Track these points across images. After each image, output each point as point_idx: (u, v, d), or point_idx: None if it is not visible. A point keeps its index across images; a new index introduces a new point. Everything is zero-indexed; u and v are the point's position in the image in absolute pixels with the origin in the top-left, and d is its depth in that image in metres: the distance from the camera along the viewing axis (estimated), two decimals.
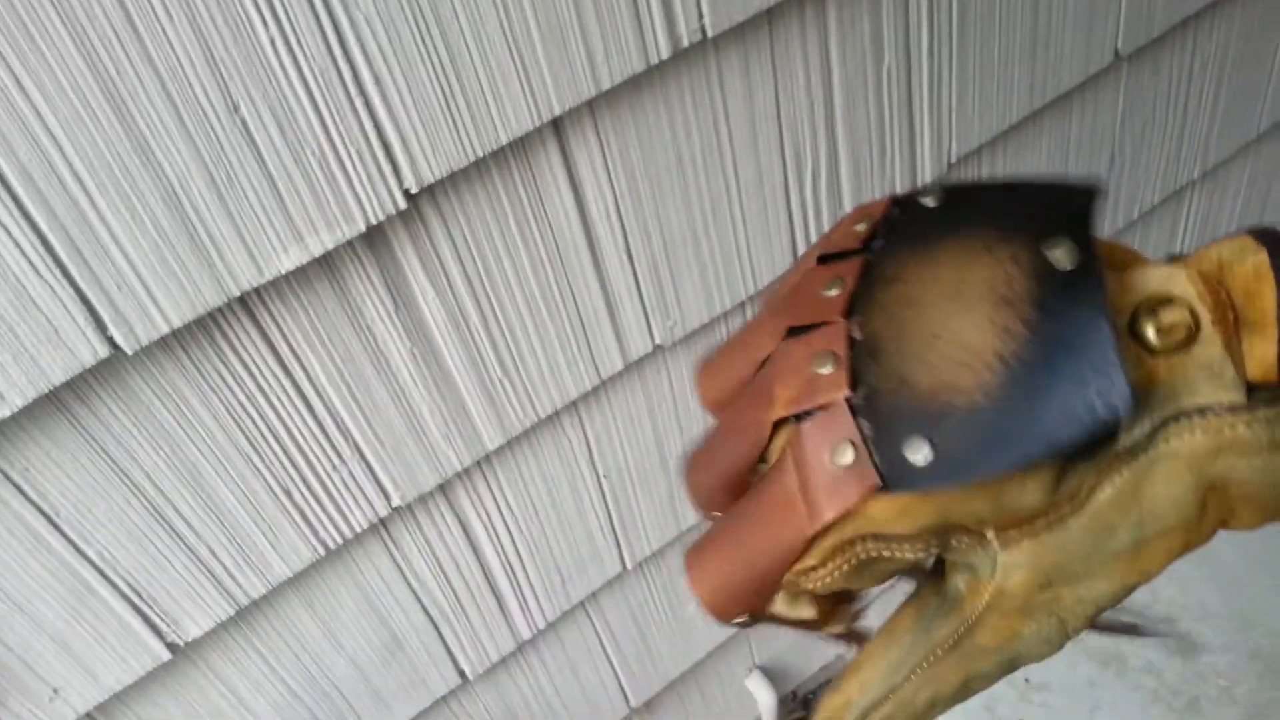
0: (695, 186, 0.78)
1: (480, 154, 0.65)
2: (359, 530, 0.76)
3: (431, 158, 0.63)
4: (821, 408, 0.32)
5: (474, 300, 0.72)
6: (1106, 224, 1.18)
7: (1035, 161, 1.04)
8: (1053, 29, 0.94)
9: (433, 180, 0.64)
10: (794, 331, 0.34)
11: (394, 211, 0.64)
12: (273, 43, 0.54)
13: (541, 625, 0.95)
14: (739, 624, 0.35)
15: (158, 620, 0.70)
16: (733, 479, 0.36)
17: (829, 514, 0.31)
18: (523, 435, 0.82)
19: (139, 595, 0.69)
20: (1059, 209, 0.33)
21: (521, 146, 0.69)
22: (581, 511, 0.91)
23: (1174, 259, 0.34)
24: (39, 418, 0.60)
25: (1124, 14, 0.99)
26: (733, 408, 0.36)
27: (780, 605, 0.35)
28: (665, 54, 0.69)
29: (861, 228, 0.35)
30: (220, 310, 0.62)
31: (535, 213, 0.72)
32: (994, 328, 0.30)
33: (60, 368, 0.57)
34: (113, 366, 0.61)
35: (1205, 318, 0.30)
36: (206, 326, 0.63)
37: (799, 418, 0.32)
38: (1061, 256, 0.31)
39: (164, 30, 0.51)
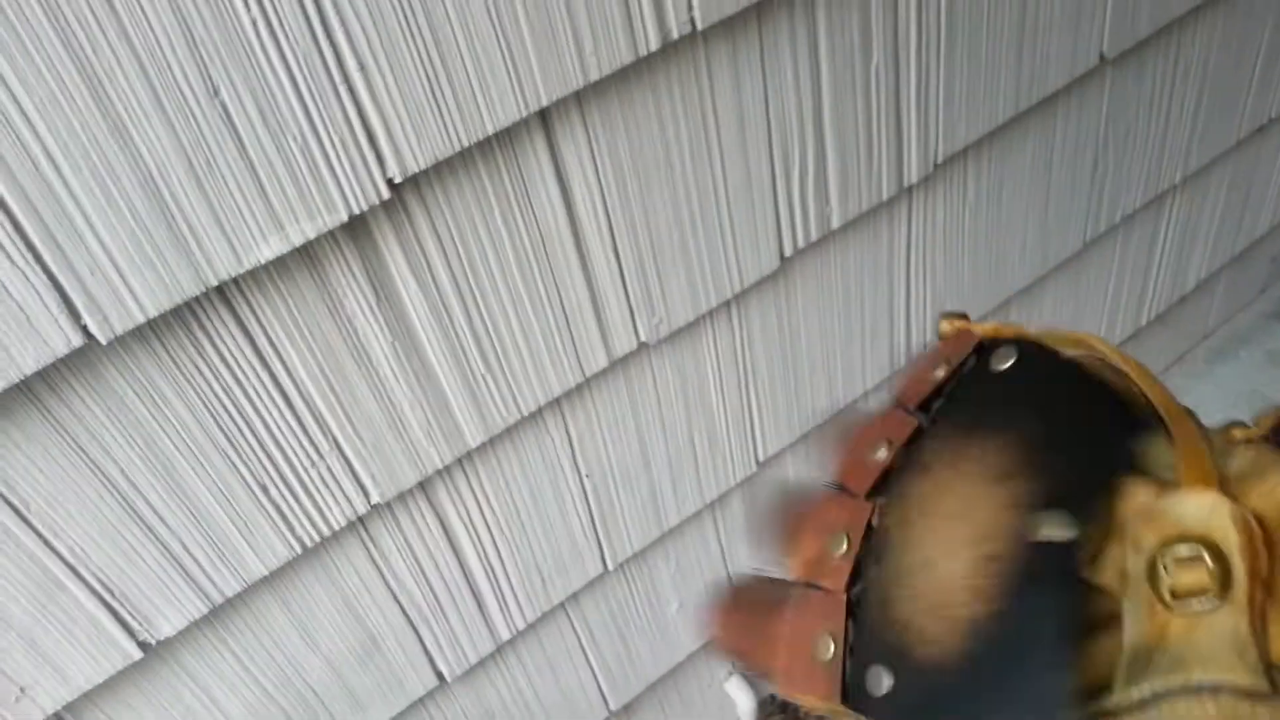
0: (683, 182, 0.78)
1: (466, 144, 0.64)
2: (337, 528, 0.75)
3: (416, 146, 0.62)
4: (825, 588, 0.32)
5: (457, 293, 0.71)
6: (1088, 228, 1.18)
7: (1020, 162, 1.04)
8: (1039, 31, 0.94)
9: (417, 170, 0.63)
10: (837, 485, 0.34)
11: (377, 201, 0.62)
12: (254, 24, 0.53)
13: (521, 626, 0.94)
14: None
15: (129, 618, 0.69)
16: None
17: (791, 693, 0.31)
18: (505, 433, 0.81)
19: (110, 592, 0.67)
20: (1085, 459, 0.29)
21: (508, 137, 0.67)
22: (563, 511, 0.90)
23: (1239, 432, 0.30)
24: (9, 408, 0.58)
25: (1110, 17, 0.99)
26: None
27: None
28: (654, 46, 0.69)
29: (939, 373, 0.34)
30: (197, 300, 0.61)
31: (521, 205, 0.71)
32: (969, 584, 0.28)
33: (32, 357, 0.56)
34: (86, 357, 0.59)
35: (1239, 578, 0.26)
36: (183, 316, 0.61)
37: (808, 584, 0.33)
38: (1051, 526, 0.28)
39: (142, 8, 0.50)
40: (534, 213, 0.71)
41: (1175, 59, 1.12)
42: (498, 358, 0.76)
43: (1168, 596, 0.26)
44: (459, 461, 0.80)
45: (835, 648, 0.30)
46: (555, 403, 0.83)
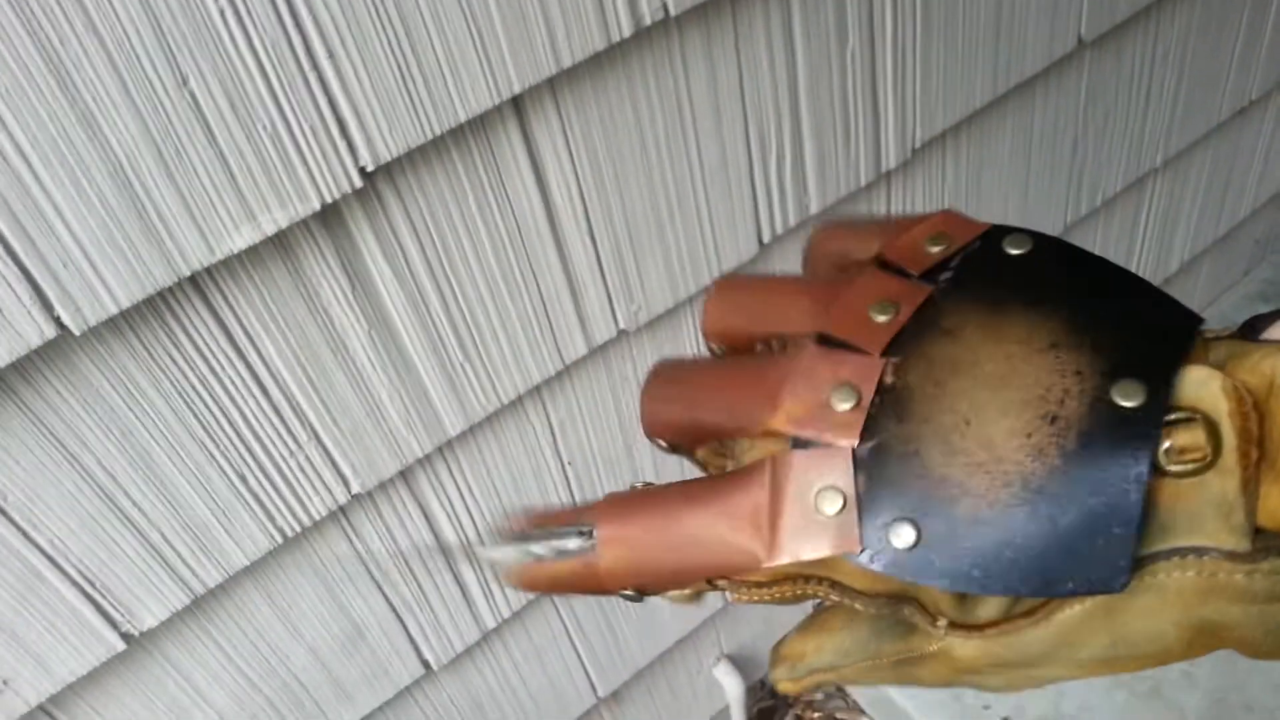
0: (659, 168, 0.78)
1: (438, 132, 0.64)
2: (318, 517, 0.75)
3: (388, 135, 0.62)
4: (824, 443, 0.30)
5: (433, 282, 0.71)
6: (1069, 212, 1.18)
7: (999, 146, 1.04)
8: (1016, 14, 0.94)
9: (389, 158, 0.63)
10: (825, 339, 0.31)
11: (350, 190, 0.62)
12: (222, 13, 0.53)
13: (506, 614, 0.94)
14: (626, 596, 0.33)
15: (111, 609, 0.69)
16: (695, 434, 0.34)
17: (798, 555, 0.29)
18: (485, 421, 0.81)
19: (91, 584, 0.67)
20: (1147, 338, 0.29)
21: (481, 125, 0.68)
22: (546, 498, 0.90)
23: (1248, 328, 0.30)
24: None
25: (1087, 0, 0.99)
26: (731, 377, 0.34)
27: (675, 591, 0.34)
28: (627, 32, 0.69)
29: (936, 249, 0.32)
30: (171, 290, 0.61)
31: (496, 193, 0.71)
32: (1028, 443, 0.28)
33: (5, 349, 0.56)
34: (60, 348, 0.59)
35: (1229, 445, 0.27)
36: (157, 307, 0.61)
37: (796, 440, 0.30)
38: (1129, 395, 0.27)
39: None
40: (509, 200, 0.72)
41: (1154, 42, 1.12)
42: (476, 346, 0.76)
43: (1165, 463, 0.27)
44: (439, 450, 0.80)
45: (846, 502, 0.29)
46: (535, 390, 0.83)
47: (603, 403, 0.88)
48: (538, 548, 0.33)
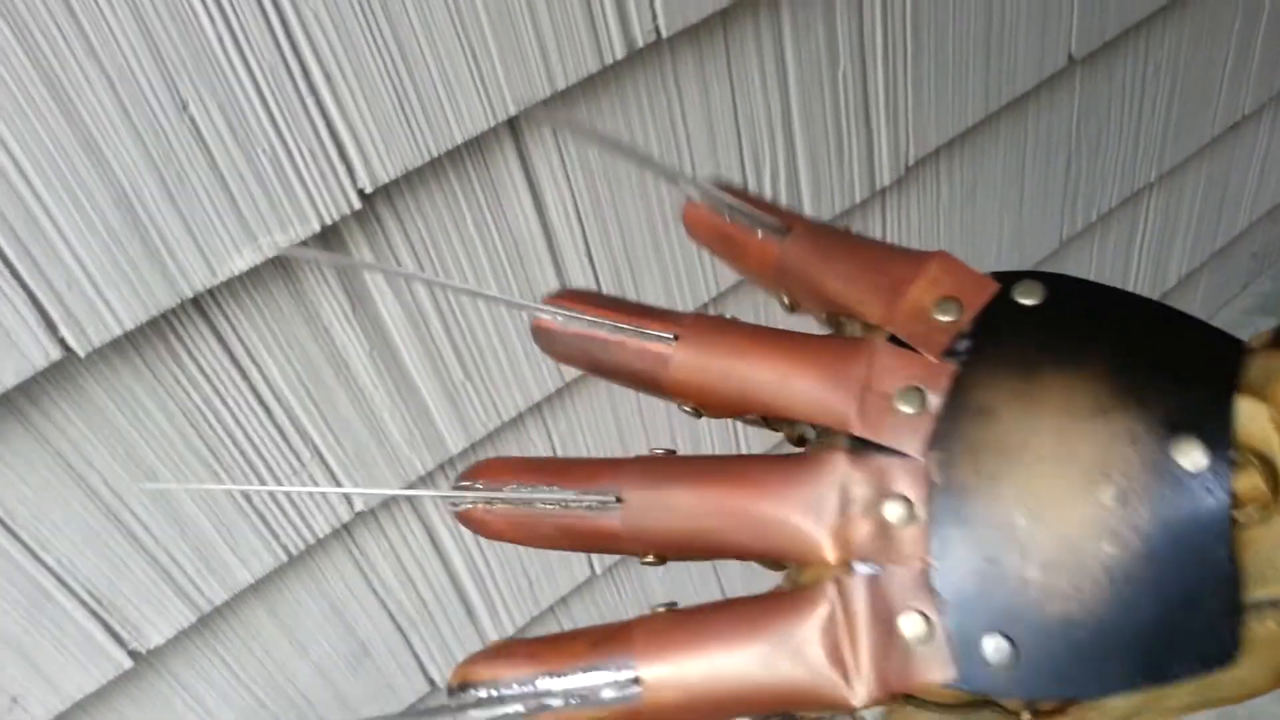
0: (654, 187, 0.79)
1: (435, 153, 0.66)
2: (321, 535, 0.76)
3: (385, 157, 0.64)
4: (891, 563, 0.28)
5: (433, 301, 0.73)
6: (1064, 228, 1.19)
7: (992, 164, 1.05)
8: (1006, 32, 0.95)
9: (387, 180, 0.64)
10: (858, 441, 0.29)
11: (348, 211, 0.64)
12: (220, 39, 0.55)
13: (510, 631, 0.95)
14: None
15: (118, 627, 0.70)
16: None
17: (889, 689, 0.27)
18: (486, 438, 0.82)
19: (99, 602, 0.68)
20: (1193, 378, 0.27)
21: (477, 146, 0.69)
22: None
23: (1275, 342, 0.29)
24: None
25: (1077, 17, 1.00)
26: (765, 491, 0.30)
27: None
28: (620, 54, 0.70)
29: (947, 319, 0.30)
30: (174, 311, 0.62)
31: (493, 213, 0.72)
32: (1102, 526, 0.26)
33: (11, 370, 0.57)
34: (65, 369, 0.61)
35: None
36: (160, 328, 0.63)
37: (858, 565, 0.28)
38: (1192, 456, 0.26)
39: (109, 24, 0.52)
40: (506, 220, 0.73)
41: (1145, 58, 1.13)
42: (476, 365, 0.77)
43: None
44: (441, 468, 0.81)
45: (931, 624, 0.27)
46: (536, 408, 0.84)
47: (603, 418, 0.89)
48: (554, 696, 0.29)
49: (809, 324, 0.35)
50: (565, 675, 0.28)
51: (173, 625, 0.72)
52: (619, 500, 0.30)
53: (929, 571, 0.27)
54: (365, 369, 0.72)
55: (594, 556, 0.96)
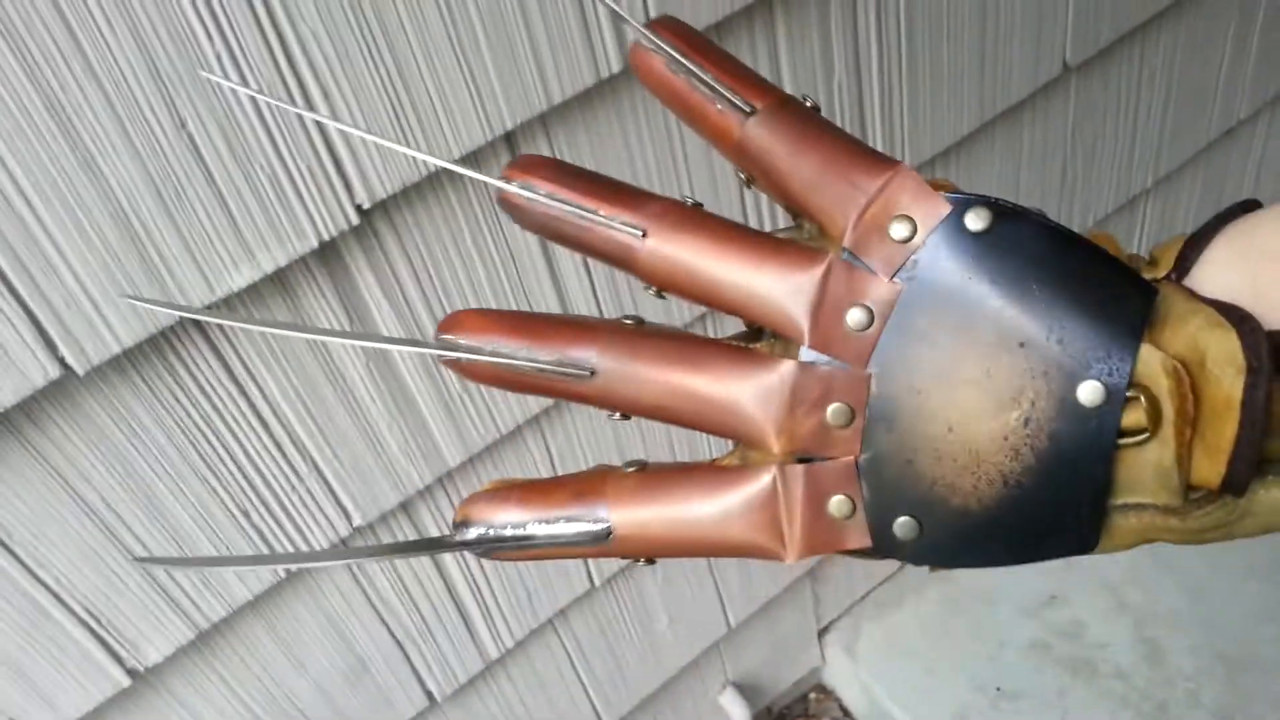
0: None
1: (433, 169, 0.66)
2: (319, 551, 0.76)
3: (383, 172, 0.64)
4: (828, 457, 0.33)
5: (431, 315, 0.72)
6: None
7: (989, 171, 1.05)
8: (1000, 41, 0.96)
9: (385, 195, 0.64)
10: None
11: (346, 227, 0.64)
12: (219, 58, 0.55)
13: (510, 644, 0.94)
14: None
15: (116, 645, 0.69)
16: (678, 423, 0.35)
17: (817, 553, 0.34)
18: (485, 451, 0.82)
19: (97, 620, 0.68)
20: (1108, 325, 0.31)
21: (475, 160, 0.69)
22: None
23: (1145, 269, 0.34)
24: None
25: (1071, 25, 1.01)
26: (723, 374, 0.34)
27: None
28: (616, 68, 0.70)
29: (900, 237, 0.32)
30: (173, 329, 0.62)
31: (490, 226, 0.72)
32: (1006, 444, 0.32)
33: (10, 389, 0.57)
34: (64, 387, 0.60)
35: (1168, 419, 0.30)
36: (159, 345, 0.62)
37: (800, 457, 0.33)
38: (1092, 395, 0.31)
39: (107, 44, 0.51)
40: (504, 233, 0.73)
41: (1140, 65, 1.14)
42: None
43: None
44: (439, 481, 0.81)
45: (856, 506, 0.33)
46: (534, 420, 0.84)
47: (600, 431, 0.89)
48: (539, 538, 0.34)
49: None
50: (550, 523, 0.34)
51: (171, 643, 0.72)
52: (591, 373, 0.33)
53: (858, 464, 0.33)
54: (363, 383, 0.72)
55: (592, 569, 0.96)
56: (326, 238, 0.63)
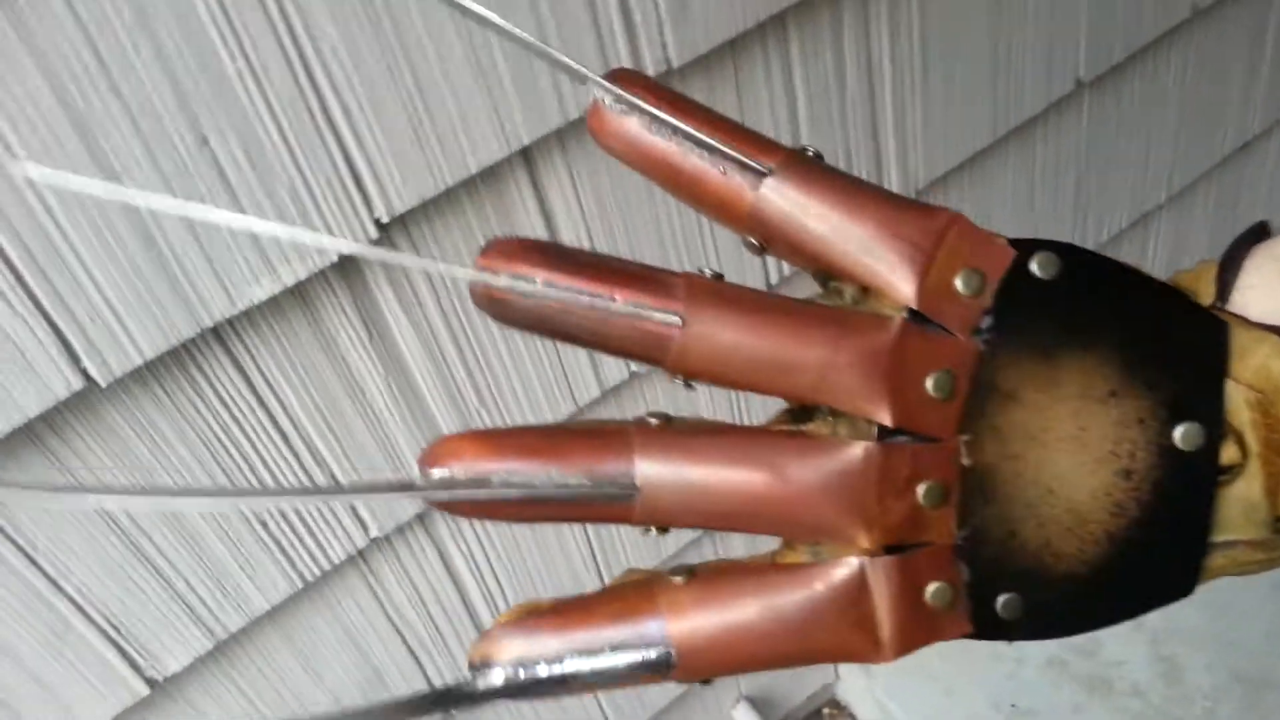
0: (665, 213, 0.80)
1: (451, 183, 0.66)
2: (337, 562, 0.76)
3: (402, 187, 0.64)
4: (928, 540, 0.30)
5: (449, 329, 0.73)
6: None
7: (1002, 187, 1.06)
8: (1014, 57, 0.96)
9: (404, 209, 0.65)
10: (886, 430, 0.29)
11: (366, 241, 0.64)
12: (240, 75, 0.56)
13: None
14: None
15: (136, 655, 0.70)
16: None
17: (914, 649, 0.30)
18: None
19: (117, 630, 0.69)
20: (1192, 365, 0.30)
21: (492, 175, 0.70)
22: (562, 540, 0.91)
23: (1228, 261, 0.33)
24: (13, 450, 0.60)
25: (1084, 42, 1.01)
26: (790, 509, 0.29)
27: None
28: None
29: (969, 294, 0.29)
30: (194, 341, 0.63)
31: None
32: (1108, 500, 0.30)
33: (34, 400, 0.58)
34: (86, 399, 0.61)
35: (1253, 452, 0.30)
36: (180, 358, 0.63)
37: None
38: (1189, 437, 0.30)
39: (131, 63, 0.53)
40: None
41: (1153, 81, 1.14)
42: (491, 391, 0.78)
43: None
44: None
45: (955, 591, 0.30)
46: None
47: None
48: (583, 676, 0.28)
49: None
50: (593, 655, 0.28)
51: (190, 653, 0.72)
52: (635, 488, 0.28)
53: (956, 544, 0.30)
54: (381, 396, 0.73)
55: (606, 580, 0.96)
56: (347, 252, 0.64)
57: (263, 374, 0.67)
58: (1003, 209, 1.08)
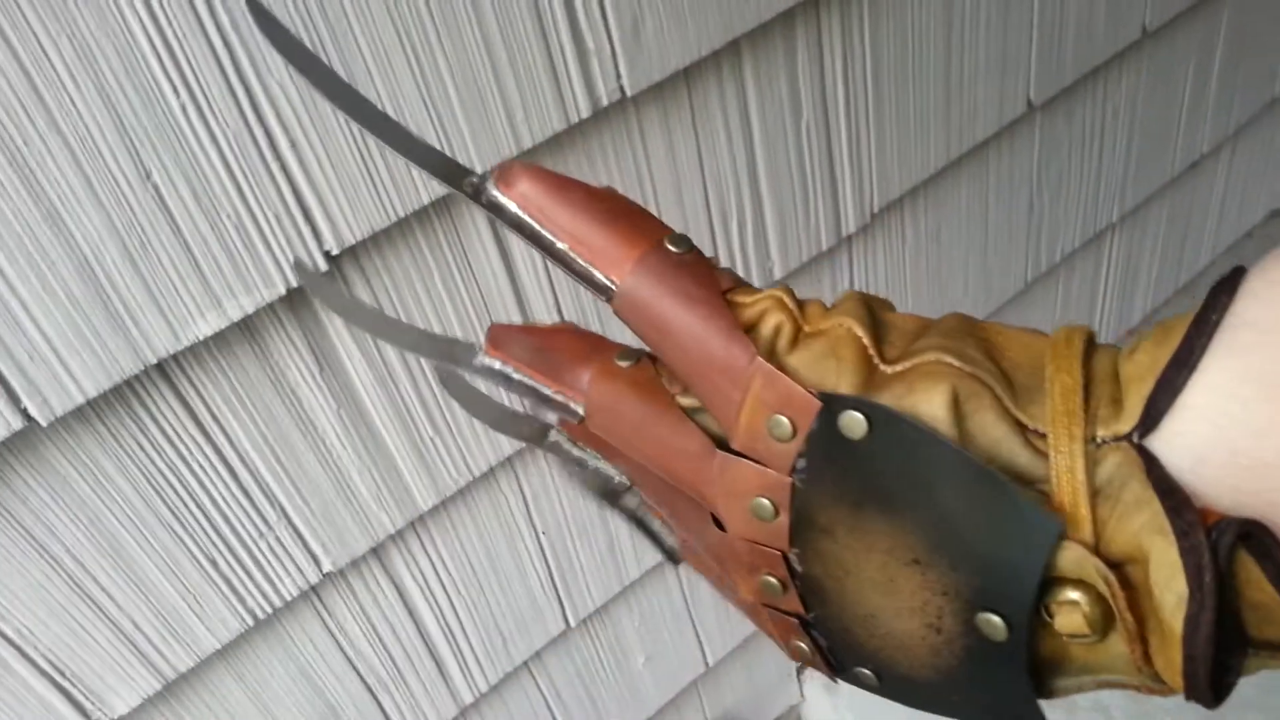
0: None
1: (402, 214, 0.66)
2: (289, 598, 0.75)
3: (352, 219, 0.64)
4: (782, 609, 0.34)
5: (400, 358, 0.72)
6: (1029, 269, 1.21)
7: (956, 209, 1.06)
8: (965, 81, 0.97)
9: (354, 241, 0.64)
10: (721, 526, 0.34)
11: (316, 272, 0.63)
12: (184, 109, 0.55)
13: (484, 688, 0.93)
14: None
15: (82, 698, 0.68)
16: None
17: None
18: (457, 494, 0.82)
19: (60, 672, 0.67)
20: (1003, 558, 0.28)
21: (445, 204, 0.69)
22: (521, 569, 0.90)
23: (1164, 385, 0.27)
24: None
25: (1034, 65, 1.02)
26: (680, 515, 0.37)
27: None
28: (585, 113, 0.71)
29: (781, 441, 0.31)
30: (137, 378, 0.61)
31: (461, 269, 0.72)
32: (924, 644, 0.31)
33: None
34: (27, 438, 0.60)
35: (1121, 618, 0.27)
36: (123, 395, 0.62)
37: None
38: (992, 627, 0.29)
39: (71, 99, 0.51)
40: (474, 275, 0.73)
41: (1103, 102, 1.15)
42: (445, 420, 0.77)
43: (1064, 638, 0.28)
44: (411, 525, 0.80)
45: (815, 651, 0.34)
46: (507, 462, 0.84)
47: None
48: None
49: None
50: (544, 391, 0.38)
51: (137, 694, 0.70)
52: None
53: (806, 623, 0.34)
54: (333, 428, 0.72)
55: (567, 609, 0.96)
56: (295, 285, 0.63)
57: (209, 409, 0.65)
58: (957, 230, 1.08)
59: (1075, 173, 1.18)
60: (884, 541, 0.30)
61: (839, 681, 0.35)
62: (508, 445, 0.82)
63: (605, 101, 0.71)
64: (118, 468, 0.64)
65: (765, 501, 0.32)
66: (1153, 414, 0.27)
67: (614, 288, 0.34)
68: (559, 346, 0.38)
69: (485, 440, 0.80)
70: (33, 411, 0.57)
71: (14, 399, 0.56)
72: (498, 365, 0.38)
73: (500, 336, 0.38)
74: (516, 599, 0.91)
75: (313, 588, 0.76)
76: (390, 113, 0.62)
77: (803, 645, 0.34)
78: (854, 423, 0.29)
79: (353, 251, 0.66)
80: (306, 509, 0.73)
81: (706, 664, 1.16)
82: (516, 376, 0.38)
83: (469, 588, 0.87)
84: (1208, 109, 1.30)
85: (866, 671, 0.33)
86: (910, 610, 0.30)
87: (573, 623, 0.97)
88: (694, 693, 1.21)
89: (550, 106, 0.68)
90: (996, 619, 0.28)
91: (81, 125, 0.52)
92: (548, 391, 0.37)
